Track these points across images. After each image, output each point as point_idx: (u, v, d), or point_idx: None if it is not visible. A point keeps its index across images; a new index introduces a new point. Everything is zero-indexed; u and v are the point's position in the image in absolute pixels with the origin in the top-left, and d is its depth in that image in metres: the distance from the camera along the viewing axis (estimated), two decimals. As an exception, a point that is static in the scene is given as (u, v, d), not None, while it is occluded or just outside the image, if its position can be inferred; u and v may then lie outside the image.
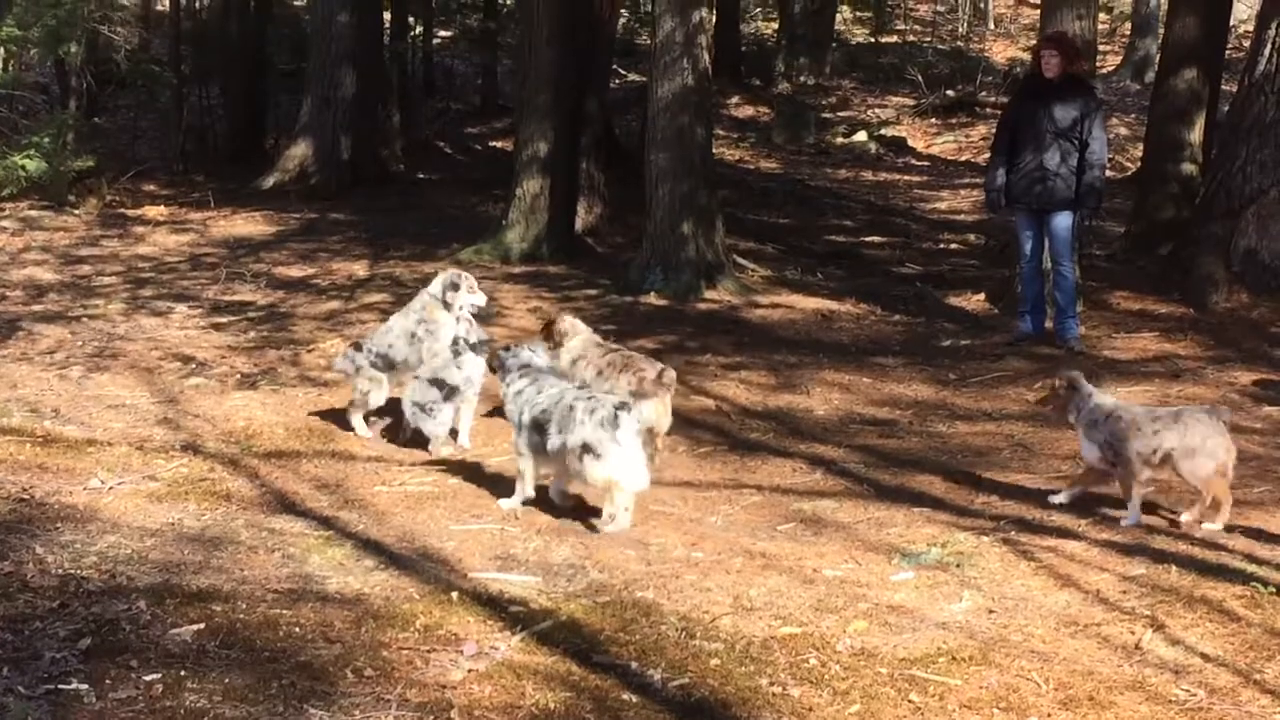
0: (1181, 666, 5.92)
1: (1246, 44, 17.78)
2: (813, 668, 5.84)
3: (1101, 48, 31.80)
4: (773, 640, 6.12)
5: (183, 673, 5.47)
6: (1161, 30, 22.21)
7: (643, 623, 6.29)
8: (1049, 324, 12.58)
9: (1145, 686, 5.72)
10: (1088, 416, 8.20)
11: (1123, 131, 26.02)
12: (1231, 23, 19.01)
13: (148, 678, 5.41)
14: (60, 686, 5.32)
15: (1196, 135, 16.45)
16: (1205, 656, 6.02)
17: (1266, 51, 13.71)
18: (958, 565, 7.16)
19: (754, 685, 5.66)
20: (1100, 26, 33.68)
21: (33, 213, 18.15)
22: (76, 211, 18.52)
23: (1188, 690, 5.69)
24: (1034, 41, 13.60)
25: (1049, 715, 5.47)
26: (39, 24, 19.10)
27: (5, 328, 12.49)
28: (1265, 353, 12.15)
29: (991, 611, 6.55)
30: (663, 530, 7.73)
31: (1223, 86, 17.57)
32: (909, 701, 5.56)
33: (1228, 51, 18.65)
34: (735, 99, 30.38)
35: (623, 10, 29.45)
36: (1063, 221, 12.17)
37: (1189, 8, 16.66)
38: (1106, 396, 8.58)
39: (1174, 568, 7.04)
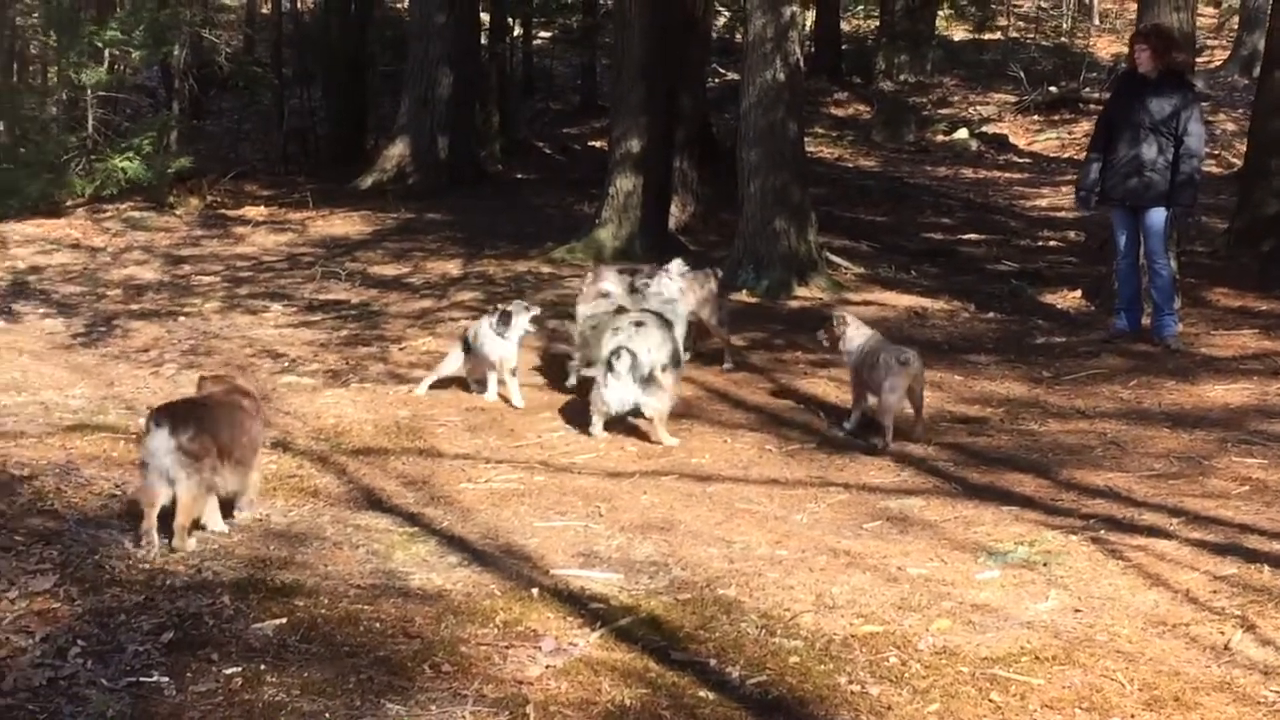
0: (1271, 667, 5.81)
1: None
2: (893, 666, 5.79)
3: (1209, 42, 31.52)
4: (853, 638, 6.08)
5: (262, 667, 5.52)
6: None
7: (723, 620, 6.27)
8: (1146, 321, 12.41)
9: (1233, 687, 5.62)
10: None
11: (1229, 127, 25.67)
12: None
13: (228, 671, 5.47)
14: (141, 679, 5.39)
15: (1302, 130, 16.17)
16: (1296, 658, 5.91)
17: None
18: (1045, 564, 7.07)
19: (833, 683, 5.62)
20: (1208, 21, 33.52)
21: (135, 213, 18.40)
22: (178, 212, 18.76)
23: (1277, 692, 5.58)
24: (1136, 35, 13.44)
25: (1133, 716, 5.39)
26: (141, 27, 19.34)
27: (103, 326, 12.69)
28: (1369, 349, 11.93)
29: (1077, 611, 6.45)
30: (747, 528, 7.70)
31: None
32: (989, 701, 5.50)
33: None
34: (835, 96, 30.28)
35: (721, 8, 29.51)
36: (1157, 218, 11.99)
37: (1295, 1, 16.39)
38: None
39: (1266, 567, 6.91)
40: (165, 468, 6.88)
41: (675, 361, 9.66)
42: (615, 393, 9.43)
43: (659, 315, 9.88)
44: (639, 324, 9.64)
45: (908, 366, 9.46)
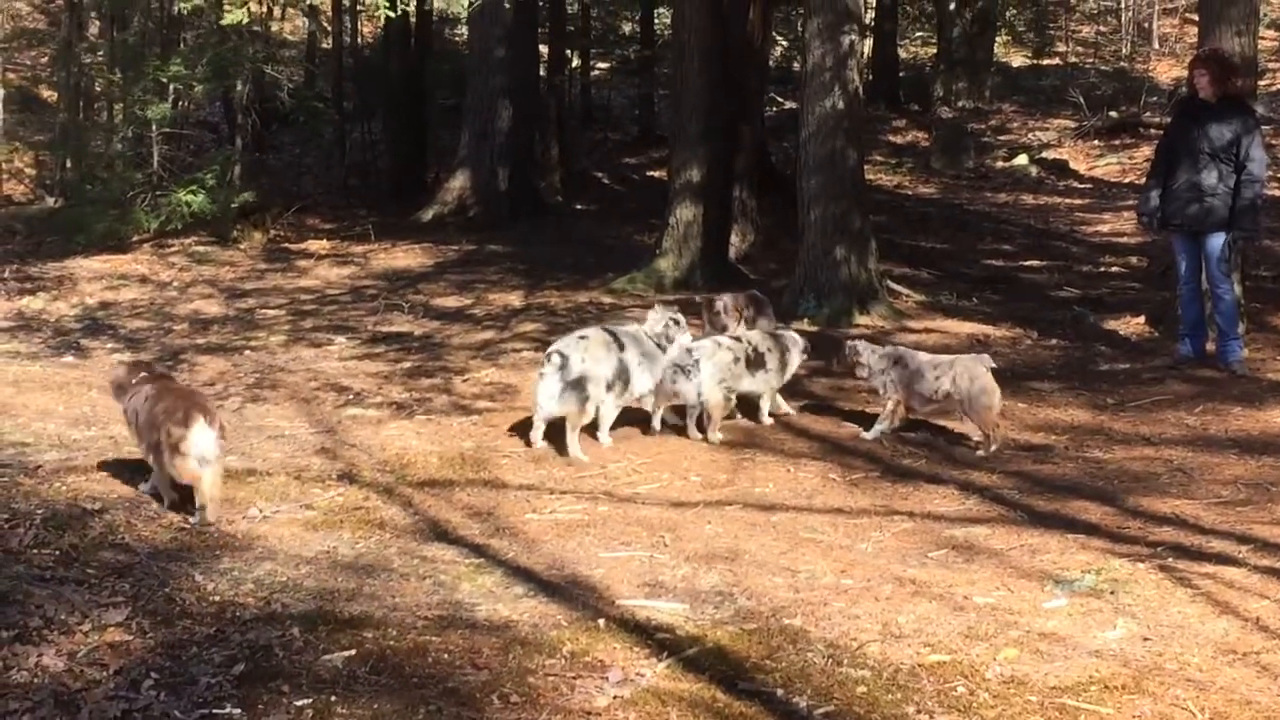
0: (1344, 696, 5.76)
1: None
2: (960, 695, 5.77)
3: (1271, 65, 31.30)
4: (920, 668, 6.06)
5: (333, 698, 5.55)
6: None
7: (789, 650, 6.26)
8: (1210, 346, 12.34)
9: (1305, 716, 5.58)
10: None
11: (1293, 150, 25.49)
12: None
13: (299, 703, 5.51)
14: (214, 711, 5.42)
15: (1365, 152, 16.07)
16: (1369, 686, 5.86)
17: None
18: (1112, 592, 7.02)
19: (900, 713, 5.61)
20: (1270, 44, 33.29)
21: (199, 248, 18.61)
22: (241, 246, 18.96)
23: (1349, 720, 5.54)
24: (1194, 60, 13.41)
25: (1203, 745, 5.36)
26: (205, 63, 19.57)
27: (169, 360, 12.81)
28: None
29: (1146, 639, 6.41)
30: (812, 557, 7.69)
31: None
32: (1059, 730, 5.48)
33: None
34: (893, 124, 30.28)
35: (779, 37, 29.57)
36: (1216, 243, 11.94)
37: (1356, 22, 16.29)
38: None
39: (1338, 595, 6.86)
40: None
41: (623, 382, 10.03)
42: (541, 393, 9.82)
43: (612, 333, 10.19)
44: (583, 336, 10.08)
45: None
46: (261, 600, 6.70)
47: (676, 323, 10.38)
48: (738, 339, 10.69)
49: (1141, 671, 6.00)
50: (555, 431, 9.95)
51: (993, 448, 9.99)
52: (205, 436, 7.91)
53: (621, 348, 10.07)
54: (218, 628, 6.28)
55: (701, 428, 10.32)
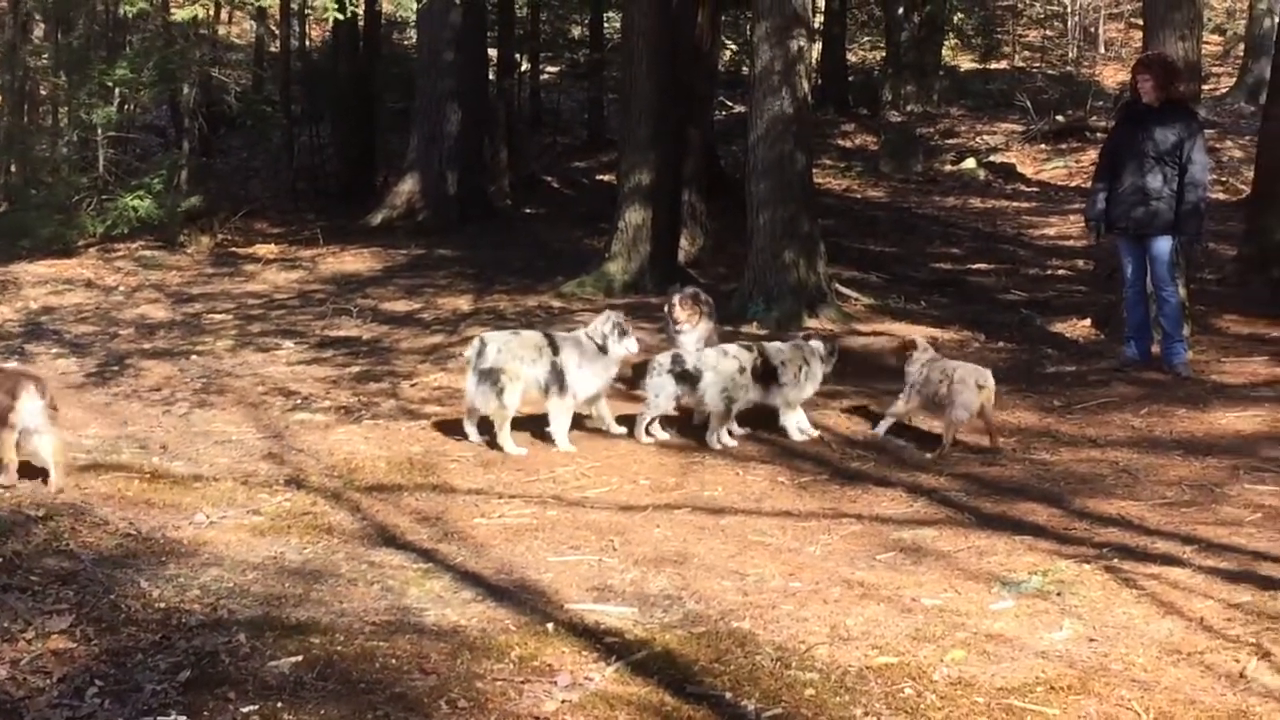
0: (1287, 695, 5.81)
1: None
2: (908, 697, 5.79)
3: (1215, 70, 31.56)
4: (868, 670, 6.07)
5: (279, 704, 5.53)
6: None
7: (738, 653, 6.27)
8: (1156, 349, 12.42)
9: (1249, 715, 5.61)
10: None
11: (1236, 154, 25.70)
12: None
13: (245, 709, 5.48)
14: (159, 718, 5.40)
15: (1309, 156, 16.20)
16: (1312, 685, 5.91)
17: (1377, 69, 13.49)
18: (1058, 593, 7.06)
19: (848, 715, 5.62)
20: (1213, 48, 33.56)
21: (146, 252, 18.51)
22: (188, 251, 18.87)
23: (1293, 719, 5.58)
24: (1139, 65, 13.51)
25: (1148, 745, 5.40)
26: (151, 66, 19.44)
27: (116, 365, 12.74)
28: (1379, 375, 11.94)
29: (1092, 640, 6.45)
30: (761, 560, 7.70)
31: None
32: (1005, 731, 5.51)
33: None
34: (842, 127, 30.36)
35: (728, 41, 29.62)
36: (1162, 246, 12.02)
37: (1299, 26, 16.43)
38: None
39: (1280, 594, 6.93)
40: None
41: (559, 383, 10.08)
42: (467, 382, 10.09)
43: (549, 337, 10.29)
44: (515, 332, 10.36)
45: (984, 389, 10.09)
46: (208, 606, 6.67)
47: (621, 330, 10.35)
48: (748, 347, 10.55)
49: (1087, 672, 6.04)
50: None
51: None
52: (33, 406, 8.31)
53: (555, 351, 10.08)
54: (163, 634, 6.25)
55: (650, 430, 10.34)
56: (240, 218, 21.21)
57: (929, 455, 10.01)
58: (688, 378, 10.12)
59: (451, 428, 10.61)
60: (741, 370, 10.20)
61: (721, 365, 10.17)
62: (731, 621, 6.69)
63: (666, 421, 10.49)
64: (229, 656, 6.01)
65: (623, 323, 10.42)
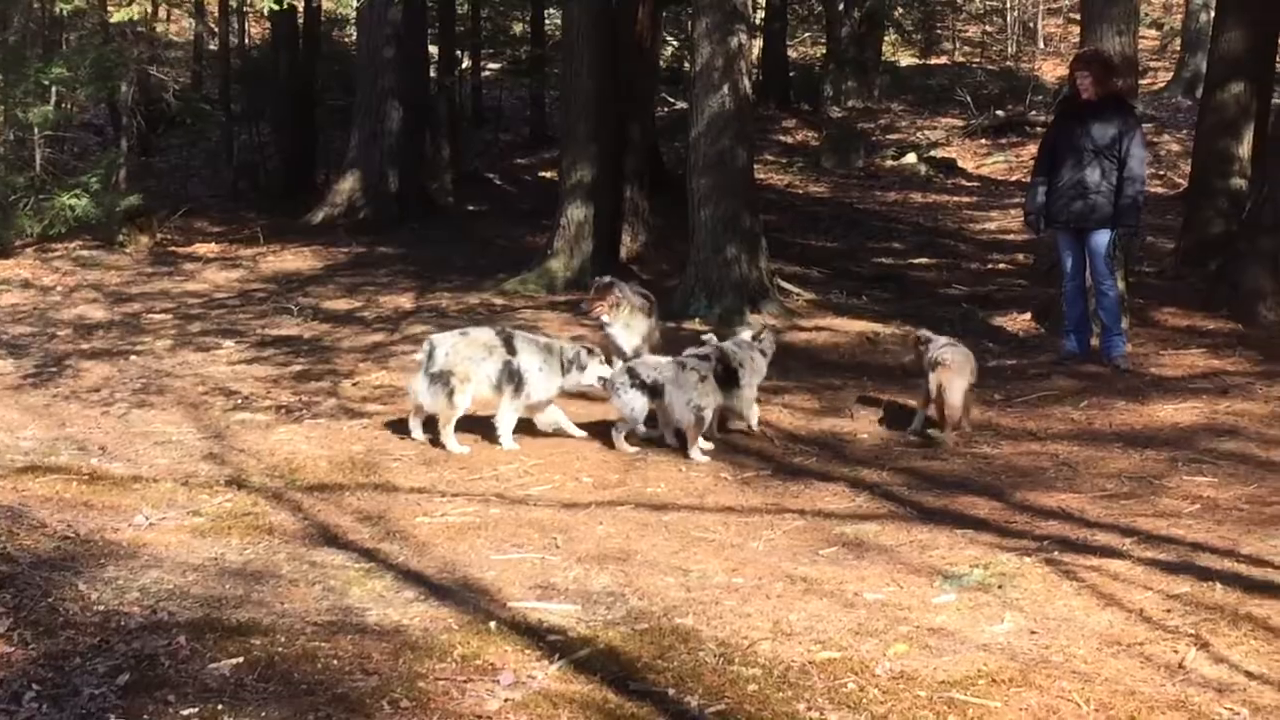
0: (1225, 685, 5.84)
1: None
2: (850, 692, 5.80)
3: (1152, 64, 31.80)
4: (811, 665, 6.08)
5: (220, 706, 5.48)
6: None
7: (681, 649, 6.26)
8: (1095, 342, 12.50)
9: (1188, 706, 5.65)
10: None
11: (1174, 148, 25.93)
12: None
13: (185, 712, 5.43)
14: (97, 722, 5.35)
15: (1245, 150, 16.33)
16: (1249, 674, 5.94)
17: (1312, 63, 13.61)
18: (1000, 586, 7.10)
19: (791, 710, 5.63)
20: (1151, 43, 33.80)
21: (84, 252, 18.34)
22: (127, 250, 18.72)
23: (1231, 709, 5.61)
24: (1077, 60, 13.61)
25: (1089, 737, 5.43)
26: (88, 64, 19.28)
27: (54, 366, 12.62)
28: (1315, 367, 12.06)
29: (1033, 632, 6.48)
30: (704, 556, 7.71)
31: (1274, 100, 17.42)
32: (947, 725, 5.53)
33: (1278, 65, 18.52)
34: (784, 123, 30.42)
35: (669, 37, 29.63)
36: (1101, 239, 12.11)
37: (1236, 22, 16.56)
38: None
39: (1218, 585, 6.96)
40: None
41: (515, 383, 10.07)
42: (415, 382, 10.11)
43: (505, 335, 10.25)
44: (463, 332, 10.31)
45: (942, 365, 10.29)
46: (147, 609, 6.60)
47: (590, 351, 10.34)
48: (705, 357, 10.32)
49: (1028, 665, 6.07)
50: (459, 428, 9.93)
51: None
52: None
53: (511, 350, 10.03)
54: (102, 638, 6.17)
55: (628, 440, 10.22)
56: (180, 216, 21.07)
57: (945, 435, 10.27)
58: (650, 389, 10.00)
59: (394, 426, 10.58)
60: (703, 379, 10.05)
61: (681, 378, 10.01)
62: (675, 618, 6.68)
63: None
64: (169, 659, 5.95)
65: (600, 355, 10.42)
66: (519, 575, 7.35)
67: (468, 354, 9.93)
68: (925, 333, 11.13)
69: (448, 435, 9.95)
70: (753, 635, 6.44)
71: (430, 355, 9.94)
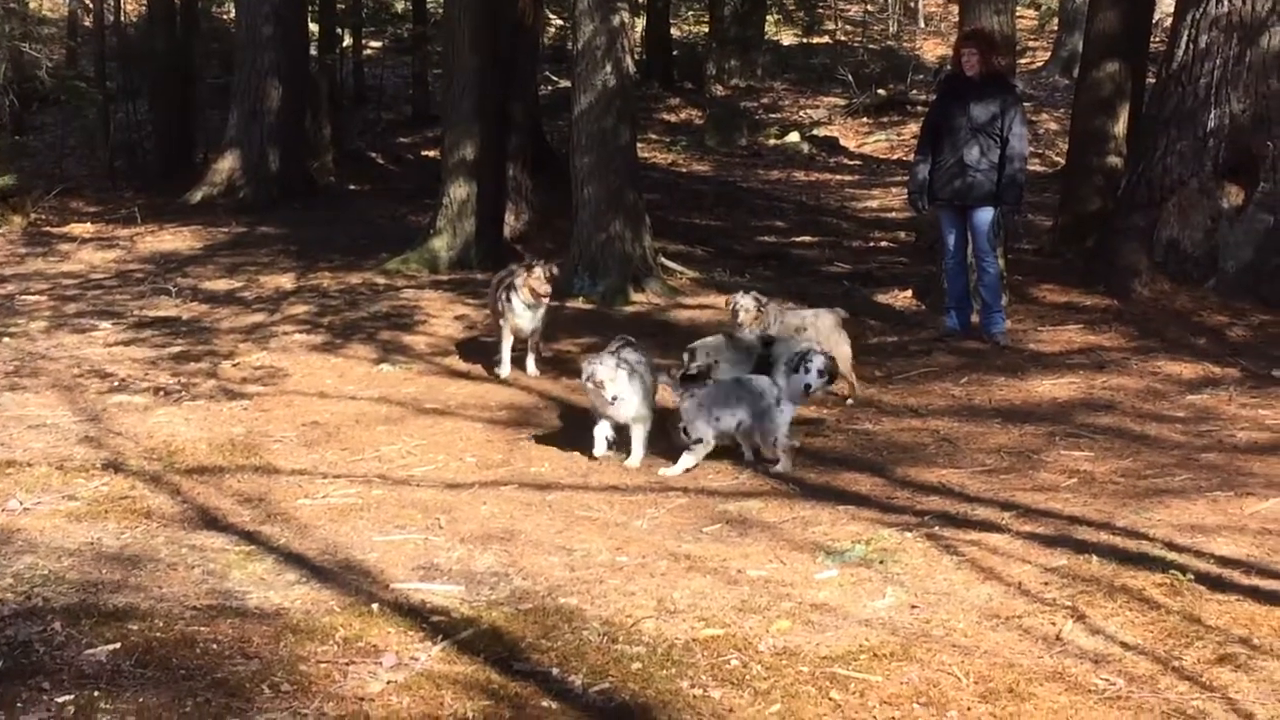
0: (1101, 656, 5.94)
1: (1168, 36, 17.81)
2: (734, 669, 5.82)
3: (1030, 44, 32.19)
4: (695, 642, 6.10)
5: (96, 693, 5.40)
6: (1086, 25, 22.33)
7: (565, 629, 6.26)
8: (975, 318, 12.63)
9: (1065, 677, 5.73)
10: None
11: (1051, 126, 26.26)
12: (1155, 16, 19.15)
13: (60, 699, 5.35)
14: (-30, 711, 5.26)
15: (1120, 128, 16.54)
16: (1125, 645, 6.04)
17: (1183, 43, 13.79)
18: (881, 562, 7.16)
19: (675, 688, 5.64)
20: (1029, 23, 34.20)
21: (-46, 233, 18.00)
22: (0, 230, 18.35)
23: (1107, 679, 5.70)
24: (959, 39, 13.73)
25: (969, 709, 5.47)
26: (-44, 42, 18.93)
27: (-76, 349, 12.38)
28: (1188, 342, 12.25)
29: (914, 607, 6.55)
30: (587, 535, 7.70)
31: (1148, 80, 17.66)
32: (829, 700, 5.55)
33: (1152, 45, 18.81)
34: (668, 102, 30.44)
35: (552, 15, 29.56)
36: (983, 217, 12.23)
37: (1111, 2, 16.74)
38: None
39: (1095, 558, 7.07)
40: None
41: None
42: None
43: None
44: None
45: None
46: (21, 595, 6.49)
47: None
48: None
49: (909, 639, 6.13)
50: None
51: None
52: None
53: None
54: (-27, 625, 6.08)
55: None
56: (55, 196, 20.74)
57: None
58: None
59: (274, 407, 10.48)
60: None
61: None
62: (559, 597, 6.68)
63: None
64: (43, 646, 5.86)
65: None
66: (402, 556, 7.32)
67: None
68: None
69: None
70: (637, 614, 6.45)
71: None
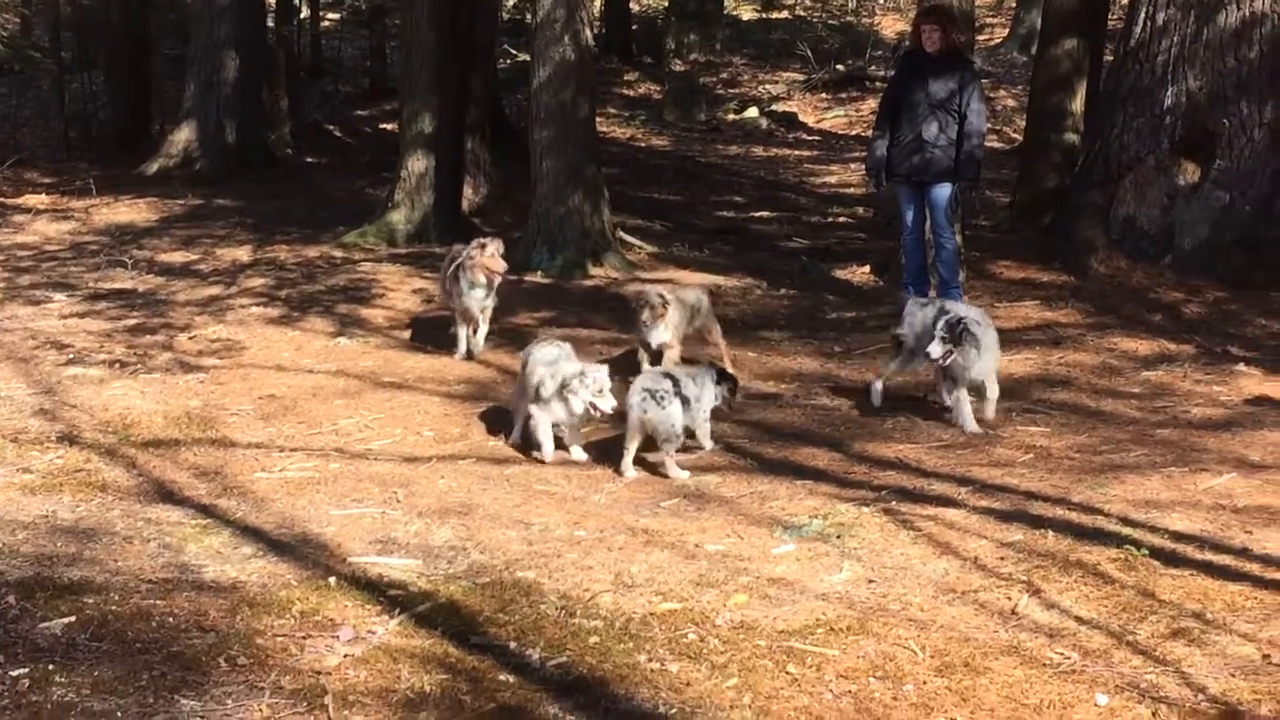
0: (1056, 630, 5.98)
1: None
2: (691, 643, 5.84)
3: (989, 20, 32.21)
4: (652, 616, 6.12)
5: (51, 667, 5.39)
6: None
7: (522, 602, 6.27)
8: (932, 294, 12.65)
9: (1020, 650, 5.77)
10: None
11: (1009, 103, 26.30)
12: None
13: (14, 673, 5.34)
14: (-77, 685, 5.23)
15: (1078, 105, 16.58)
16: (1080, 619, 6.09)
17: (1141, 20, 13.83)
18: (838, 536, 7.19)
19: (632, 662, 5.66)
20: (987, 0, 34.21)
21: (-95, 204, 17.84)
22: (-48, 202, 18.23)
23: (1062, 653, 5.75)
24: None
25: (925, 682, 5.50)
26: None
27: (-124, 322, 12.27)
28: (1144, 318, 12.32)
29: (871, 581, 6.58)
30: (545, 509, 7.71)
31: (1106, 57, 17.73)
32: (787, 673, 5.58)
33: (1110, 21, 18.86)
34: (626, 76, 30.36)
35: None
36: (942, 193, 12.25)
37: (1069, -23, 16.78)
38: None
39: (1050, 533, 7.12)
40: None
41: None
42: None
43: None
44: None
45: None
46: (-25, 569, 6.47)
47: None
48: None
49: (866, 613, 6.16)
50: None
51: None
52: None
53: None
54: (-73, 599, 6.05)
55: None
56: (8, 167, 20.56)
57: None
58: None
59: (231, 379, 10.44)
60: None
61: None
62: (516, 571, 6.69)
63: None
64: (-3, 619, 5.85)
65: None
66: (359, 530, 7.31)
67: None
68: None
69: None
70: (594, 588, 6.47)
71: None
